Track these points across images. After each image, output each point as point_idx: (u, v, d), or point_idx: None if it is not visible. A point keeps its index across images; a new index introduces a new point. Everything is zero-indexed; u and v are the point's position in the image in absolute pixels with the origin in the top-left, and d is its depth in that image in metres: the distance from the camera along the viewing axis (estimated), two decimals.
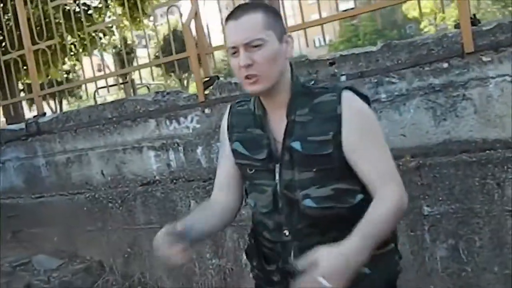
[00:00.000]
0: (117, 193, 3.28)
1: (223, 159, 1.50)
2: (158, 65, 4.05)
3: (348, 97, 1.33)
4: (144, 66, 3.67)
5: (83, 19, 3.81)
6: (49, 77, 7.80)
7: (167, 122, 3.12)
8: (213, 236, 2.75)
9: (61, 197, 3.62)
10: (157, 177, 3.21)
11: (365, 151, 1.30)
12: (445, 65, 2.29)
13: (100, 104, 3.45)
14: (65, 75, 8.83)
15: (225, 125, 1.49)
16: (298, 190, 1.32)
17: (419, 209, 2.31)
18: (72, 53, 8.88)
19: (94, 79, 3.82)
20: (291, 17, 2.93)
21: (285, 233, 1.36)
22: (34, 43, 3.85)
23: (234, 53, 1.30)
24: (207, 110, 2.96)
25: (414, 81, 2.36)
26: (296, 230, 1.34)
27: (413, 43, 2.36)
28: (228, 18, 1.33)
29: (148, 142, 3.23)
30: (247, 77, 1.29)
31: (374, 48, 2.48)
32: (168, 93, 3.16)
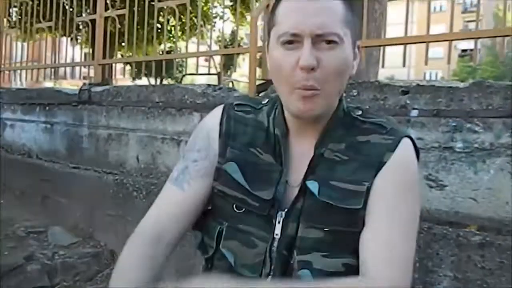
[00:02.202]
0: (145, 183, 3.02)
1: (193, 174, 1.03)
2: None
3: (406, 147, 0.93)
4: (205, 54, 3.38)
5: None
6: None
7: None
8: None
9: (94, 173, 3.43)
10: None
11: (384, 216, 0.89)
12: None
13: (151, 85, 3.20)
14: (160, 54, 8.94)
15: (216, 128, 1.03)
16: (296, 252, 0.91)
17: None
18: (171, 36, 8.92)
19: (173, 57, 3.56)
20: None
21: None
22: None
23: (291, 43, 0.88)
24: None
25: (502, 135, 1.85)
26: None
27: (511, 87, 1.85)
28: None
29: (187, 137, 2.92)
30: (302, 87, 0.88)
31: (460, 84, 1.98)
32: (220, 88, 2.85)
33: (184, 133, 2.94)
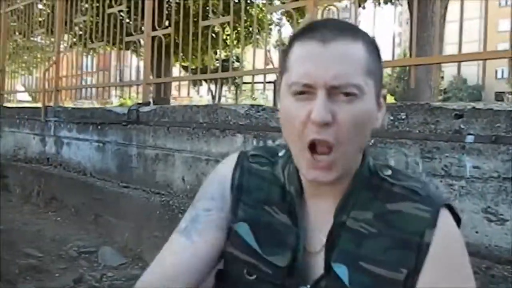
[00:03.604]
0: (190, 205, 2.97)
1: (204, 224, 0.91)
2: None
3: (446, 220, 0.78)
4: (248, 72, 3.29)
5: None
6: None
7: (254, 141, 2.71)
8: None
9: (142, 193, 3.43)
10: None
11: None
12: None
13: (194, 106, 3.17)
14: (217, 64, 8.91)
15: (229, 179, 0.93)
16: None
17: None
18: (227, 45, 8.94)
19: (219, 75, 3.50)
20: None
21: None
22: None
23: (303, 93, 0.76)
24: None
25: None
26: None
27: None
28: (307, 34, 0.78)
29: None
30: (313, 146, 0.76)
31: None
32: (263, 109, 2.75)
33: (227, 154, 2.87)
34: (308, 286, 0.81)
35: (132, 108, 3.60)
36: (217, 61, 9.34)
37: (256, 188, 0.91)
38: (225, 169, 0.97)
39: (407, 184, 0.82)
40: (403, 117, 2.06)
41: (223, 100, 20.08)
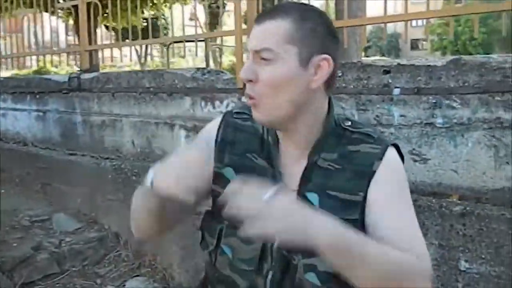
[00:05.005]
0: (143, 167, 3.12)
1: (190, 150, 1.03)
2: None
3: (391, 156, 1.05)
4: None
5: None
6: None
7: (202, 103, 2.88)
8: None
9: (91, 159, 3.52)
10: None
11: (388, 210, 1.01)
12: None
13: (139, 71, 3.26)
14: (145, 23, 8.67)
15: (214, 134, 1.13)
16: (300, 256, 1.01)
17: (456, 262, 1.95)
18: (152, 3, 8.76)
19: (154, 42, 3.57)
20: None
21: None
22: None
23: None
24: (244, 99, 2.69)
25: (479, 111, 1.97)
26: None
27: (485, 64, 1.95)
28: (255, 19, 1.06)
29: (181, 121, 3.02)
30: (246, 95, 1.02)
31: (438, 62, 2.08)
32: (208, 72, 2.92)
33: (176, 117, 3.03)
34: None
35: (73, 76, 3.62)
36: (145, 21, 9.18)
37: (239, 139, 1.11)
38: (211, 125, 1.18)
39: (363, 130, 1.07)
40: (340, 74, 2.31)
41: (149, 60, 19.59)
